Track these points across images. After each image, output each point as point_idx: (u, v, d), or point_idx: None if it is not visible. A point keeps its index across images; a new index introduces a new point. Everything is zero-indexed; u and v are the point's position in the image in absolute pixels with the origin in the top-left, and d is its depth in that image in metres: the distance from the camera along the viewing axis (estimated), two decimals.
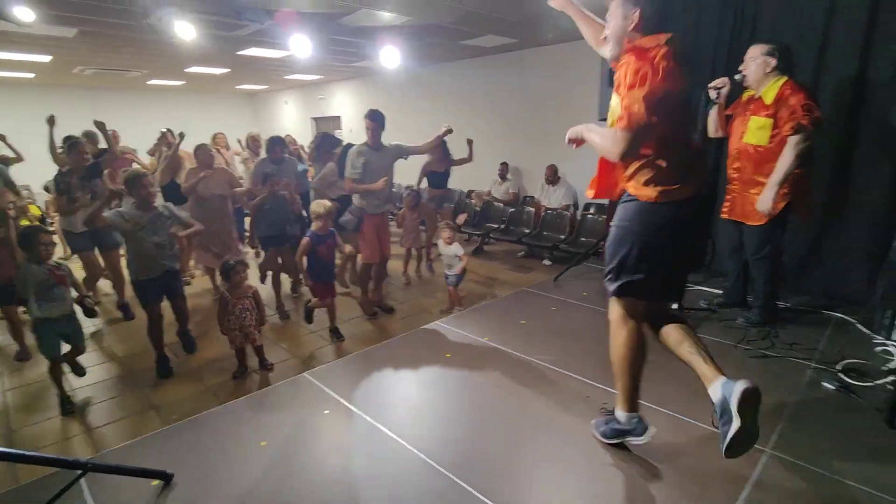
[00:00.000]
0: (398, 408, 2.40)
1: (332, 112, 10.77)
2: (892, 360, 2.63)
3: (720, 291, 3.63)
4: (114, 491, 1.84)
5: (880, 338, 2.90)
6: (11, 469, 2.29)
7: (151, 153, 6.17)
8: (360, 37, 5.45)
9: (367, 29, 5.27)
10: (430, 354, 2.93)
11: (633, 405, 1.96)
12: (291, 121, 12.08)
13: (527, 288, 4.05)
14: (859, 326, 3.09)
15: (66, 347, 3.05)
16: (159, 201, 3.65)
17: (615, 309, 1.92)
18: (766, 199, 2.80)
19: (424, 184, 5.66)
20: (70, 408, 2.94)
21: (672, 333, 1.88)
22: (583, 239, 5.56)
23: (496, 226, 6.43)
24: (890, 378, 2.42)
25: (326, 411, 2.33)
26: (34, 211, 6.05)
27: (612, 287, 1.89)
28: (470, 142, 5.33)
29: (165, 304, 3.35)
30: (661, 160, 1.71)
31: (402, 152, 4.08)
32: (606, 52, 1.83)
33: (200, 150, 4.26)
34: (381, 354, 2.98)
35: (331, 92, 10.62)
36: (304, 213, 5.07)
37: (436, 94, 8.18)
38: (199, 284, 5.14)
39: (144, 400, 3.05)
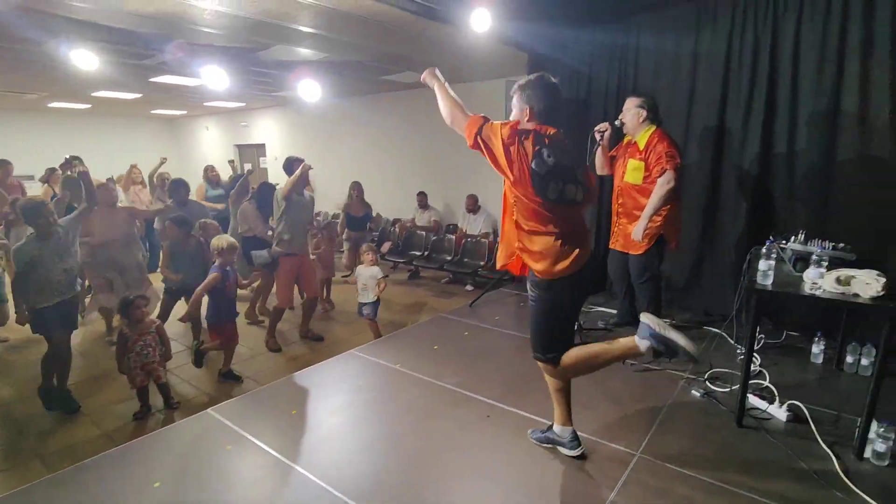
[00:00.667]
0: (306, 439, 2.42)
1: (255, 140, 10.58)
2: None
3: (615, 311, 4.00)
4: None
5: (741, 348, 3.33)
6: None
7: (44, 181, 5.74)
8: (279, 69, 5.51)
9: (286, 62, 5.35)
10: (342, 384, 2.98)
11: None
12: (213, 147, 11.71)
13: (443, 314, 4.22)
14: (728, 339, 3.53)
15: None
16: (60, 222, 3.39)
17: (545, 369, 2.15)
18: (637, 230, 3.19)
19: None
20: None
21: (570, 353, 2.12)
22: None
23: (419, 253, 6.60)
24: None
25: (229, 447, 2.31)
26: None
27: (541, 360, 2.12)
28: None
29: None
30: (547, 237, 1.94)
31: (312, 209, 4.25)
32: (457, 129, 2.07)
33: (101, 189, 4.02)
34: (293, 386, 2.99)
35: (254, 119, 10.46)
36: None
37: (359, 125, 8.34)
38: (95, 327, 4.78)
39: (28, 449, 2.81)
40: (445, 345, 3.53)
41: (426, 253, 6.60)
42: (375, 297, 4.09)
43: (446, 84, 2.17)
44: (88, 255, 4.08)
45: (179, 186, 4.55)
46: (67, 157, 5.95)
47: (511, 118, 2.06)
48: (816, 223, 3.47)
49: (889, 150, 3.17)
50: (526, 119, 1.99)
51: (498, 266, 2.17)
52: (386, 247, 6.72)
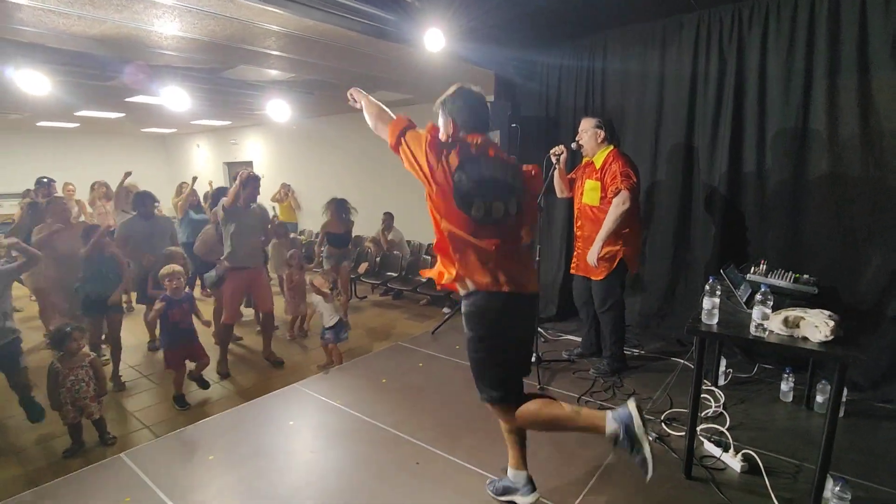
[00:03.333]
0: (211, 489, 2.24)
1: (244, 157, 10.57)
2: (710, 406, 2.83)
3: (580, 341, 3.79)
4: None
5: (709, 383, 3.12)
6: None
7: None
8: (249, 89, 5.45)
9: (252, 82, 5.29)
10: (273, 423, 2.81)
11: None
12: (204, 165, 11.72)
13: (402, 342, 4.04)
14: None
15: None
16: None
17: (495, 412, 1.95)
18: (591, 253, 3.03)
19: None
20: None
21: (529, 405, 1.91)
22: None
23: (395, 274, 6.45)
24: (702, 426, 2.59)
25: (128, 499, 2.14)
26: None
27: (486, 402, 1.93)
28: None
29: None
30: (467, 254, 1.78)
31: (266, 221, 4.07)
32: (381, 133, 1.95)
33: (53, 203, 3.94)
34: (222, 425, 2.81)
35: (243, 136, 10.46)
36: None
37: (340, 143, 8.30)
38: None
39: None
40: (394, 378, 3.34)
41: (403, 274, 6.45)
42: (338, 317, 3.94)
43: (369, 96, 2.07)
44: (40, 275, 3.98)
45: (144, 199, 4.32)
46: (45, 180, 5.89)
47: (441, 131, 1.90)
48: (785, 248, 3.30)
49: (858, 172, 2.99)
50: (450, 133, 1.86)
51: (438, 285, 1.94)
52: (363, 268, 6.57)
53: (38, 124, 8.96)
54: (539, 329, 3.69)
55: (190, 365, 3.57)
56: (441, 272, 1.88)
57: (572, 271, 3.47)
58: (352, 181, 8.15)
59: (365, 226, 7.48)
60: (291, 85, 5.48)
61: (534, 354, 3.41)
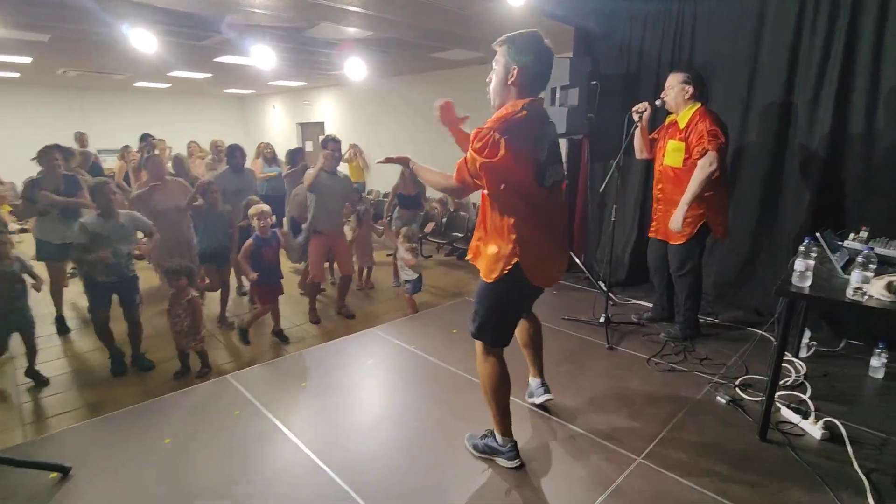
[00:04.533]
0: (307, 411, 2.52)
1: (316, 118, 10.92)
2: (790, 376, 2.75)
3: (651, 306, 3.75)
4: (11, 483, 1.96)
5: (789, 354, 3.01)
6: None
7: (120, 157, 6.25)
8: (328, 48, 5.60)
9: (334, 41, 5.43)
10: (355, 361, 3.05)
11: (506, 430, 2.04)
12: (279, 125, 12.25)
13: (469, 298, 4.17)
14: (774, 342, 3.19)
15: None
16: (125, 211, 3.63)
17: (479, 345, 2.02)
18: (676, 218, 2.93)
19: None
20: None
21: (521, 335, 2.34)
22: None
23: (461, 235, 6.56)
24: (781, 393, 2.54)
25: (237, 412, 2.44)
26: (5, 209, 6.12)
27: (471, 331, 2.01)
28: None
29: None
30: (526, 237, 1.77)
31: (349, 191, 4.21)
32: (448, 190, 2.01)
33: (151, 161, 4.27)
34: (311, 359, 3.10)
35: (316, 98, 10.78)
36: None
37: (411, 103, 8.35)
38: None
39: (81, 398, 3.13)
40: (464, 329, 3.46)
41: (469, 234, 6.55)
42: (417, 274, 4.14)
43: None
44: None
45: (235, 151, 4.55)
46: (152, 139, 6.39)
47: (492, 74, 1.80)
48: (890, 216, 3.03)
49: None
50: (510, 81, 1.73)
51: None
52: (429, 227, 6.72)
53: (135, 84, 9.72)
54: (609, 293, 3.67)
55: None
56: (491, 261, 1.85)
57: (651, 234, 3.40)
58: (423, 141, 8.20)
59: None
60: (368, 43, 5.57)
61: (602, 315, 3.45)
